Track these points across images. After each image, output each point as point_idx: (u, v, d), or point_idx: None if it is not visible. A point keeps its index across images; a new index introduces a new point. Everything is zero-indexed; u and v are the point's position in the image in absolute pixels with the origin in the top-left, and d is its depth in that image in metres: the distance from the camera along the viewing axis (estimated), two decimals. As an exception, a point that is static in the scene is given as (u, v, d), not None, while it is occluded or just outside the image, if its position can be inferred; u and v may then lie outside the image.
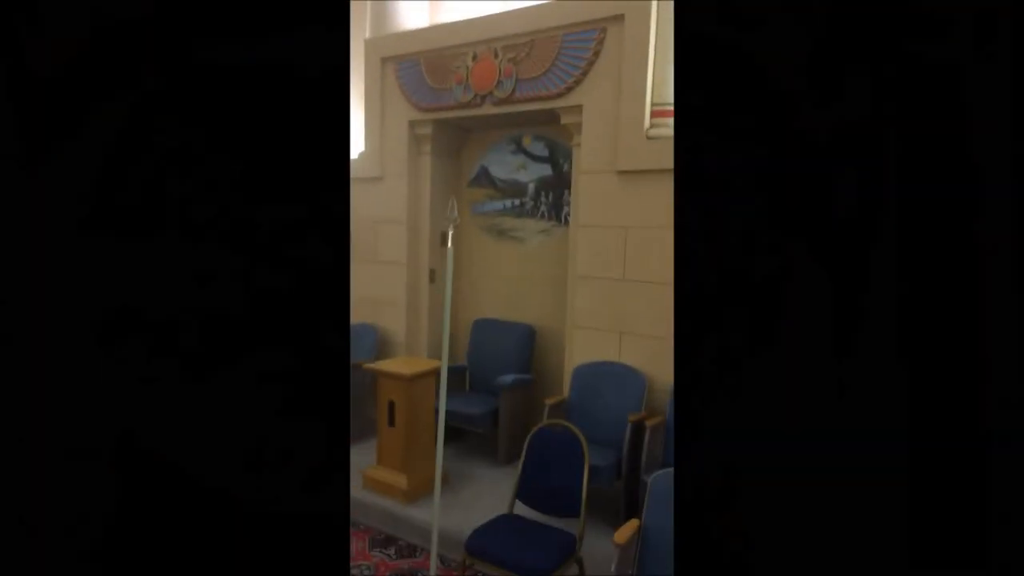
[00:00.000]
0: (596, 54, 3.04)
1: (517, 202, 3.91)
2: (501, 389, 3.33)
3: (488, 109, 3.45)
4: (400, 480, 2.89)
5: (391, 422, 2.92)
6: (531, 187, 3.85)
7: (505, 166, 3.95)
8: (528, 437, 2.38)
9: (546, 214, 3.80)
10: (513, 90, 3.32)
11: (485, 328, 3.84)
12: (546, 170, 3.79)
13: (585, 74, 3.09)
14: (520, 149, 3.88)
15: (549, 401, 3.06)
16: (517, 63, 3.30)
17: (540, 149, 3.80)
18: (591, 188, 3.11)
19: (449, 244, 2.06)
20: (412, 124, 3.79)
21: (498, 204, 4.00)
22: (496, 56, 3.36)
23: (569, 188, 3.67)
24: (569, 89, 3.15)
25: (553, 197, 3.76)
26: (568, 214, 3.69)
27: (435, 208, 3.93)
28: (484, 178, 4.06)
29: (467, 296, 4.13)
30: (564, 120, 3.24)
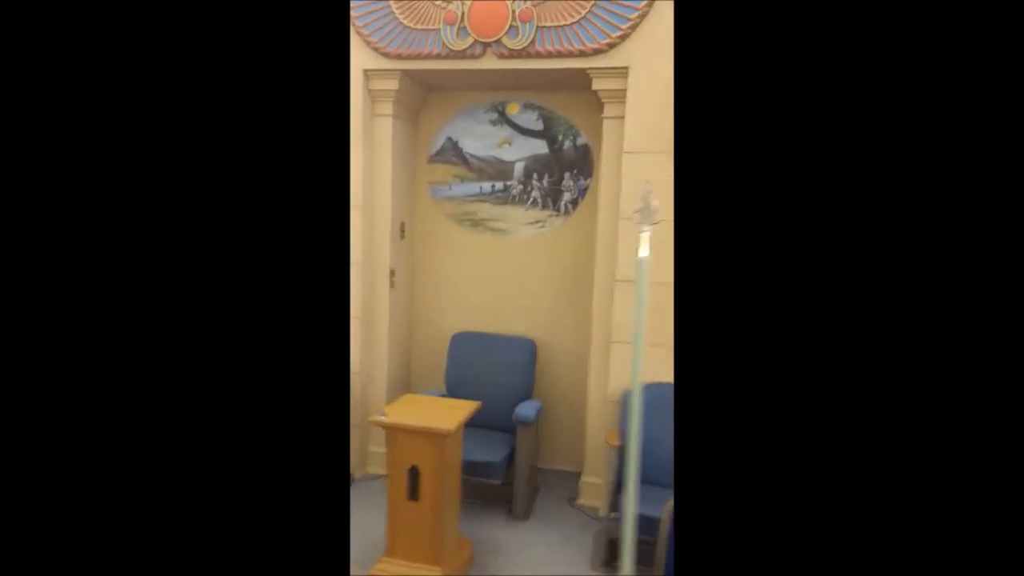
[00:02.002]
0: (650, 3, 2.44)
1: (499, 185, 3.15)
2: (518, 425, 2.61)
3: (490, 62, 2.65)
4: (433, 574, 2.04)
5: (413, 495, 2.05)
6: (518, 168, 3.12)
7: (482, 139, 3.16)
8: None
9: (539, 202, 3.11)
10: (532, 40, 2.56)
11: (468, 345, 3.04)
12: (539, 147, 3.09)
13: (635, 27, 2.47)
14: (503, 119, 3.12)
15: (611, 442, 2.42)
16: (538, 5, 2.55)
17: (531, 120, 3.09)
18: (638, 172, 2.52)
19: (643, 249, 1.34)
20: (368, 75, 2.80)
21: (472, 187, 3.19)
22: (507, -7, 2.57)
23: (572, 170, 3.04)
24: (612, 46, 2.50)
25: (549, 181, 3.08)
26: (570, 202, 3.05)
27: (396, 188, 3.00)
28: (451, 152, 3.21)
29: (433, 302, 3.27)
30: (597, 85, 2.59)
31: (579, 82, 2.77)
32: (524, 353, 2.96)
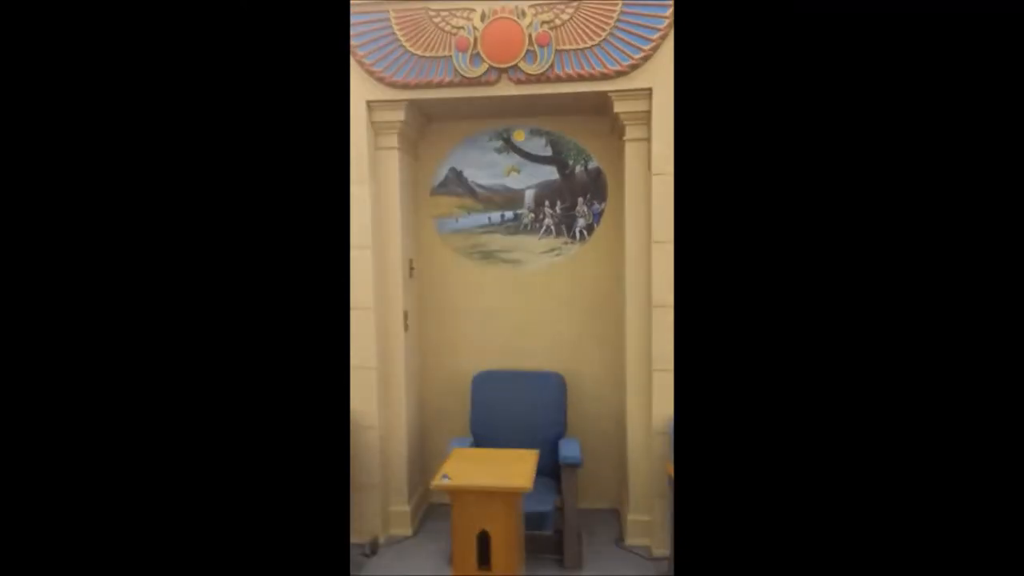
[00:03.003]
0: (672, 24, 2.40)
1: (509, 215, 3.02)
2: (564, 467, 2.45)
3: (505, 88, 2.53)
4: (513, 652, 1.84)
5: (485, 563, 1.85)
6: (528, 195, 3.01)
7: (488, 168, 3.02)
8: None
9: (552, 229, 3.00)
10: (551, 64, 2.47)
11: (493, 384, 2.86)
12: (549, 173, 2.99)
13: (656, 49, 2.42)
14: (509, 146, 3.00)
15: (673, 473, 2.30)
16: (555, 28, 2.46)
17: (539, 147, 2.98)
18: (668, 193, 2.45)
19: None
20: (371, 107, 2.62)
21: (480, 218, 3.05)
22: (521, 16, 2.47)
23: (585, 195, 2.96)
24: (634, 67, 2.44)
25: (562, 208, 2.98)
26: (585, 228, 2.96)
27: (406, 225, 2.81)
28: (456, 183, 3.06)
29: (448, 343, 3.07)
30: (620, 108, 2.52)
31: (590, 105, 2.71)
32: (553, 388, 2.82)
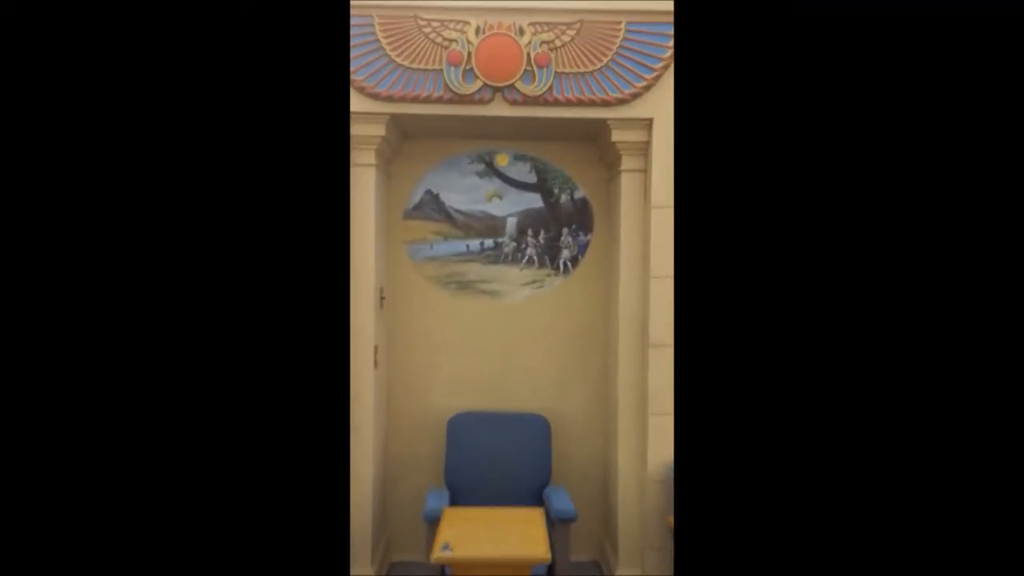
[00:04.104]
0: (675, 54, 2.33)
1: (489, 243, 2.82)
2: (557, 522, 2.23)
3: (500, 108, 2.35)
4: None
5: (491, 647, 1.60)
6: (510, 223, 2.82)
7: (467, 193, 2.82)
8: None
9: (535, 260, 2.82)
10: (550, 86, 2.32)
11: (470, 427, 2.61)
12: (533, 201, 2.83)
13: (659, 78, 2.34)
14: (492, 170, 2.82)
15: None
16: (555, 50, 2.33)
17: (523, 172, 2.82)
18: (667, 227, 2.35)
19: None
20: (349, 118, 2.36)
21: (458, 245, 2.83)
22: (520, 34, 2.31)
23: (571, 226, 2.82)
24: (635, 95, 2.34)
25: (546, 238, 2.82)
26: (569, 260, 2.81)
27: (378, 250, 2.54)
28: (432, 207, 2.83)
29: (420, 380, 2.79)
30: (618, 136, 2.40)
31: (581, 132, 2.59)
32: (537, 432, 2.61)
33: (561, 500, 2.29)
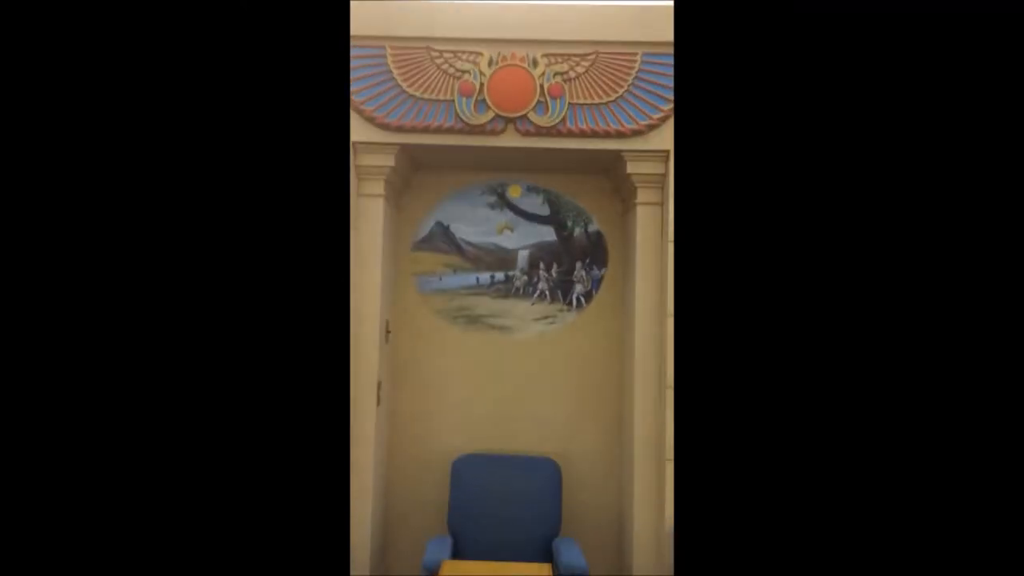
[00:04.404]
0: (692, 87, 2.26)
1: (500, 276, 2.74)
2: (567, 576, 2.08)
3: (512, 139, 2.30)
4: None
5: None
6: (522, 256, 2.74)
7: (478, 225, 2.75)
8: None
9: (547, 294, 2.73)
10: (563, 118, 2.26)
11: (476, 470, 2.48)
12: (546, 234, 2.75)
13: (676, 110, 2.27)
14: (504, 202, 2.76)
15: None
16: (569, 81, 2.28)
17: (536, 204, 2.75)
18: (685, 264, 2.24)
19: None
20: (356, 148, 2.33)
21: (468, 278, 2.75)
22: (533, 65, 2.27)
23: (584, 260, 2.72)
24: (651, 127, 2.27)
25: (558, 272, 2.73)
26: (583, 295, 2.71)
27: (385, 283, 2.47)
28: (441, 239, 2.77)
29: (423, 419, 2.68)
30: (633, 169, 2.33)
31: (595, 164, 2.52)
32: (547, 477, 2.47)
33: (572, 554, 2.14)
